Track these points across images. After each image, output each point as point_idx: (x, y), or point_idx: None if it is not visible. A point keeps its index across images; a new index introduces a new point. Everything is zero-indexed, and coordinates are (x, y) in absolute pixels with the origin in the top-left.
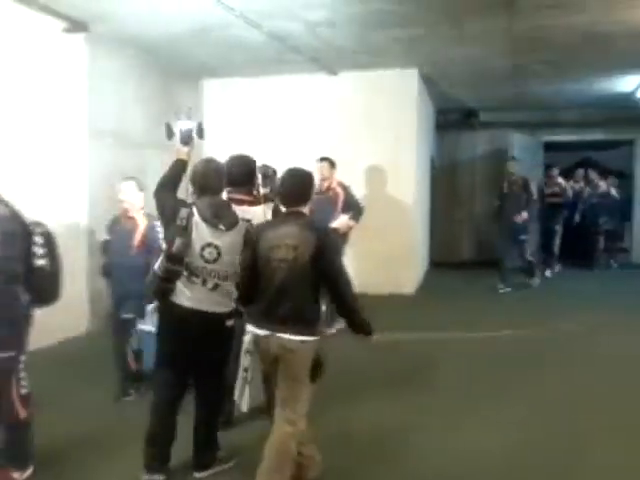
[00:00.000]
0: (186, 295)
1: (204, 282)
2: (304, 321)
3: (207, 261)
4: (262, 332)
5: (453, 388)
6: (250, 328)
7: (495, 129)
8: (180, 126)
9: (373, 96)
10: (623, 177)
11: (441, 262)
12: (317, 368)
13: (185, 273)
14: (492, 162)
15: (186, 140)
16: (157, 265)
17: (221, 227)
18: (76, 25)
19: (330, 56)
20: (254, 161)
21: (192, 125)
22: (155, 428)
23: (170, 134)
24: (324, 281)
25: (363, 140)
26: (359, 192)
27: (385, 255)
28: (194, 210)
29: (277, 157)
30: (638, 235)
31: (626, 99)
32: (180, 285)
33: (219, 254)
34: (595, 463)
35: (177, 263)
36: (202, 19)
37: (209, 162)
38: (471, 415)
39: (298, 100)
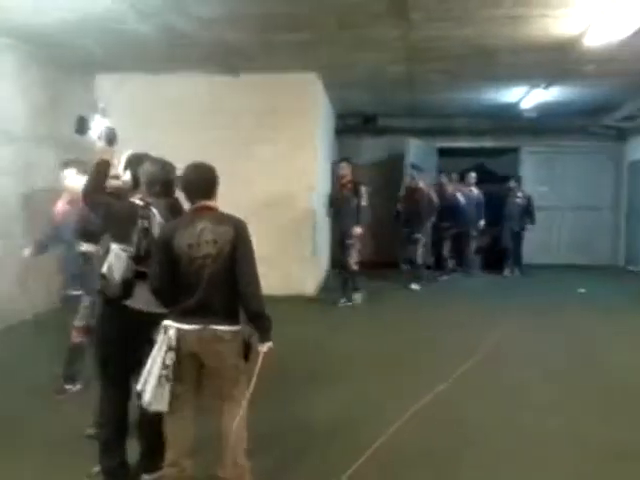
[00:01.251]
0: (136, 297)
1: None
2: (234, 311)
3: None
4: (192, 327)
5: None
6: (173, 325)
7: (393, 134)
8: (101, 124)
9: (274, 98)
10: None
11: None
12: (249, 348)
13: None
14: (390, 166)
15: (111, 139)
16: (107, 268)
17: None
18: None
19: (230, 57)
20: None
21: (103, 124)
22: (112, 435)
23: (83, 129)
24: (237, 276)
25: (264, 142)
26: (259, 194)
27: (286, 256)
28: (155, 211)
29: (176, 158)
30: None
31: (512, 109)
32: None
33: None
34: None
35: (143, 264)
36: (87, 9)
37: (165, 163)
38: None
39: (198, 100)
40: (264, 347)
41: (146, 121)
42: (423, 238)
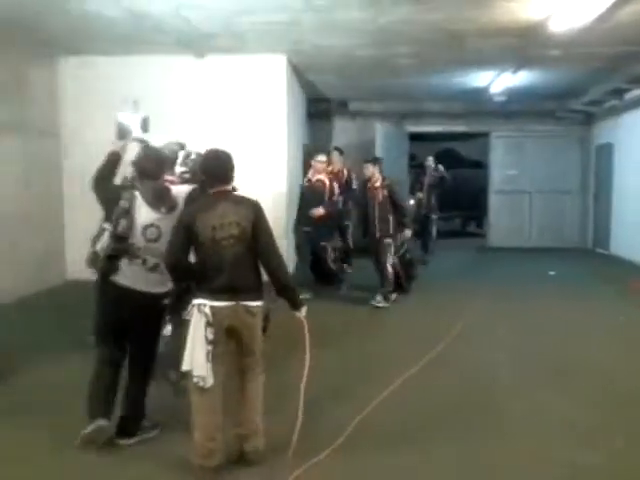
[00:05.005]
0: (125, 274)
1: (144, 262)
2: (258, 288)
3: (149, 240)
4: (223, 304)
5: None
6: (206, 302)
7: (364, 118)
8: (119, 119)
9: (242, 81)
10: (481, 167)
11: None
12: (267, 321)
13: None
14: (362, 151)
15: (122, 134)
16: (100, 245)
17: (162, 210)
18: None
19: (196, 38)
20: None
21: (134, 119)
22: (98, 390)
23: (146, 128)
24: (260, 253)
25: (233, 126)
26: None
27: None
28: (136, 193)
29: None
30: (494, 221)
31: (482, 93)
32: (122, 265)
33: (160, 234)
34: None
35: (123, 242)
36: None
37: (149, 149)
38: None
39: (164, 82)
40: (302, 312)
41: (110, 104)
42: None
